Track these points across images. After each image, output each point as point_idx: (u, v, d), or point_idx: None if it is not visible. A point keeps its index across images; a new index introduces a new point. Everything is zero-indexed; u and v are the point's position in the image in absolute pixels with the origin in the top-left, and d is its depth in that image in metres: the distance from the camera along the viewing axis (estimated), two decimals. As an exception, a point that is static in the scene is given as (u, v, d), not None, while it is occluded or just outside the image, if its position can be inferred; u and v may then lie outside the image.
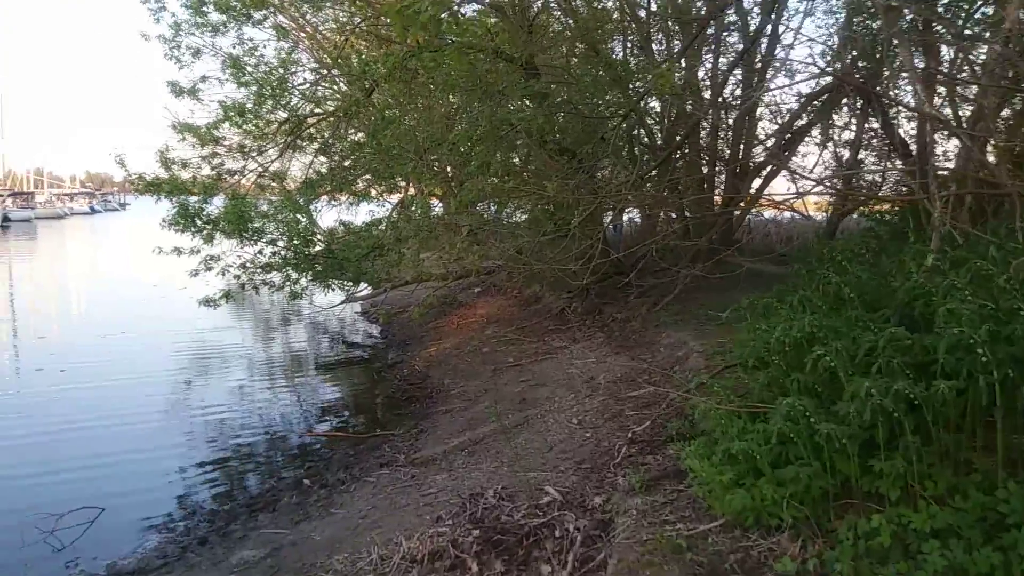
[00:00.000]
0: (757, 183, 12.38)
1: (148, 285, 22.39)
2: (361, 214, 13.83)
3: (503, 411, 8.22)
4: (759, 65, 11.39)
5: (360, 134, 13.97)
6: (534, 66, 9.83)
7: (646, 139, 11.55)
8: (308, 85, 13.99)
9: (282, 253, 11.45)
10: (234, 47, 12.19)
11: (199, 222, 10.75)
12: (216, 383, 12.18)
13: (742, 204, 12.13)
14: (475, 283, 14.54)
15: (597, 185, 9.94)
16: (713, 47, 12.20)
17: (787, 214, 14.09)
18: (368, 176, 13.25)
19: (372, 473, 7.16)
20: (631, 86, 10.09)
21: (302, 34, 15.89)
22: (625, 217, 14.38)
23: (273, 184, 13.06)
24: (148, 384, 11.59)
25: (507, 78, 9.17)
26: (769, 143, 12.30)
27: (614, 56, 11.30)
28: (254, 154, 12.71)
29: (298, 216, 10.92)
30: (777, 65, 11.25)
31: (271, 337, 17.08)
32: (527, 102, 9.93)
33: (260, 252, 11.47)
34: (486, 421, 8.03)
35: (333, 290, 12.33)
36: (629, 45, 12.12)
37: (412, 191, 13.92)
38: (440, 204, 14.42)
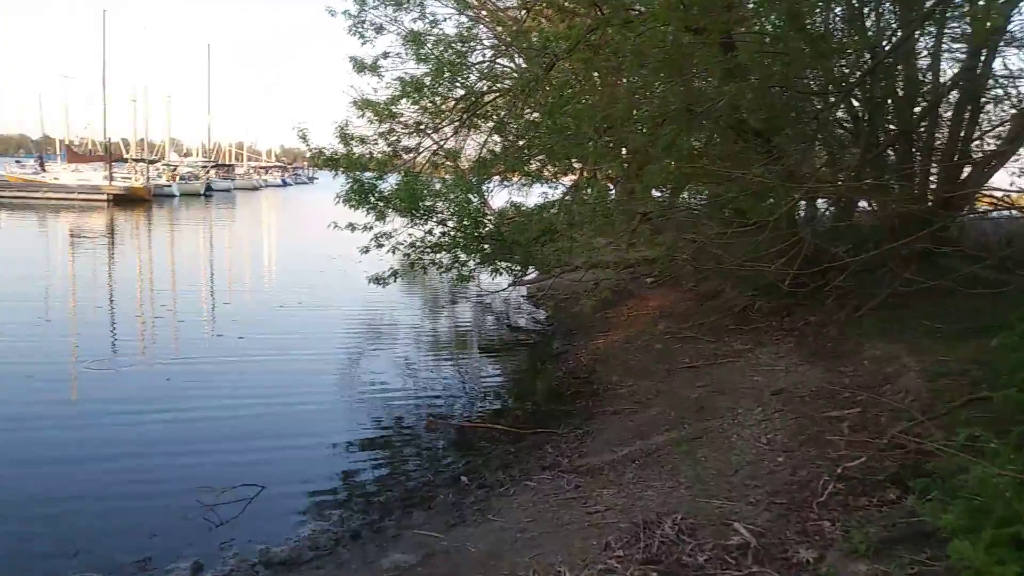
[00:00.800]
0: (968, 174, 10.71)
1: (327, 257, 23.23)
2: (533, 196, 13.38)
3: (678, 419, 7.46)
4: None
5: (536, 113, 13.47)
6: (731, 38, 8.86)
7: (865, 121, 10.20)
8: (486, 61, 13.70)
9: (451, 233, 11.19)
10: (415, 21, 12.05)
11: (372, 199, 10.66)
12: (383, 358, 12.32)
13: (963, 199, 10.54)
14: (648, 273, 13.69)
15: (803, 173, 8.84)
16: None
17: (1006, 212, 12.21)
18: (542, 156, 12.73)
19: (533, 476, 6.63)
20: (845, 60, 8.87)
21: (483, 12, 15.58)
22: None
23: (447, 163, 12.85)
24: (318, 357, 11.82)
25: (702, 51, 8.26)
26: (1003, 130, 10.57)
27: (823, 28, 10.04)
28: (429, 131, 12.56)
29: (469, 196, 10.59)
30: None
31: (438, 315, 17.14)
32: (716, 79, 9.00)
33: (430, 232, 11.27)
34: (660, 428, 7.29)
35: (500, 273, 11.96)
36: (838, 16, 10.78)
37: (587, 174, 13.27)
38: (614, 188, 13.71)
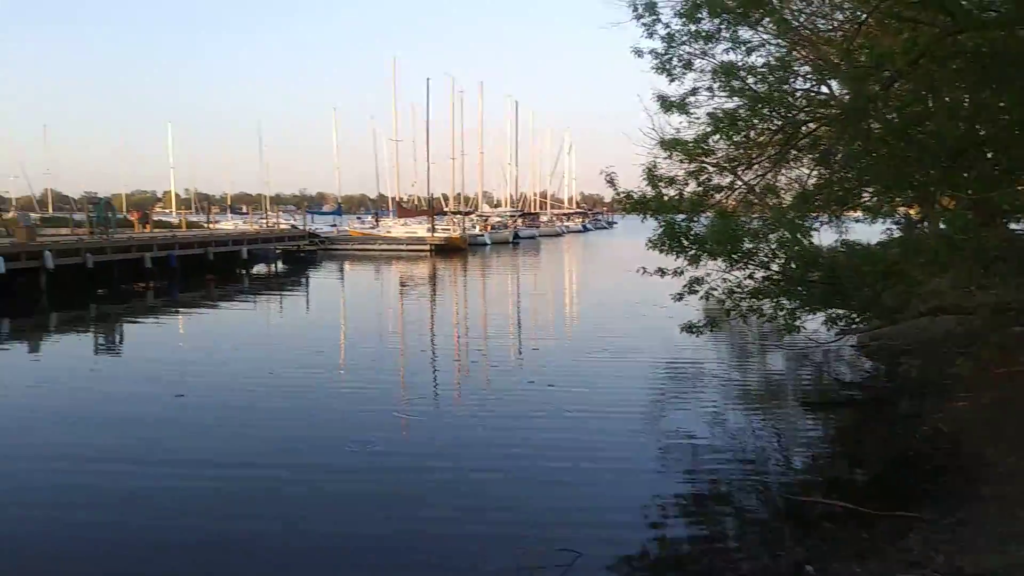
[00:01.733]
0: None
1: (631, 303, 23.06)
2: (865, 233, 11.82)
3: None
4: None
5: (865, 141, 11.95)
6: None
7: None
8: (805, 88, 12.51)
9: (774, 277, 10.13)
10: (727, 52, 11.33)
11: (685, 242, 9.99)
12: (692, 409, 11.72)
13: None
14: (1016, 320, 11.35)
15: None
16: None
17: None
18: (875, 187, 11.19)
19: (897, 575, 5.41)
20: None
21: (801, 34, 14.36)
22: None
23: (763, 200, 11.81)
24: (624, 407, 11.52)
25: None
26: None
27: None
28: (742, 168, 11.68)
29: (796, 236, 9.47)
30: None
31: (749, 364, 15.91)
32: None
33: (751, 276, 10.30)
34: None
35: (833, 321, 10.61)
36: None
37: (943, 203, 11.43)
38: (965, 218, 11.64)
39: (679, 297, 10.60)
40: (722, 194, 11.88)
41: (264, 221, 61.38)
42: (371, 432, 9.95)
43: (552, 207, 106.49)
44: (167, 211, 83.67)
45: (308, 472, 8.50)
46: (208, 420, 10.65)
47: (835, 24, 13.51)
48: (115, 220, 36.53)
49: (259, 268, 41.21)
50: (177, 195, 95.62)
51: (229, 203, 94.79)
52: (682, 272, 10.83)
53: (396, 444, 9.71)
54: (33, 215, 40.88)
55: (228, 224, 62.60)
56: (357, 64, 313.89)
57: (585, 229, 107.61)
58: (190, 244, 37.51)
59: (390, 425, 10.38)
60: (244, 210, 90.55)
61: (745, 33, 11.56)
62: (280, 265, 43.69)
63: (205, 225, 55.99)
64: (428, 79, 71.03)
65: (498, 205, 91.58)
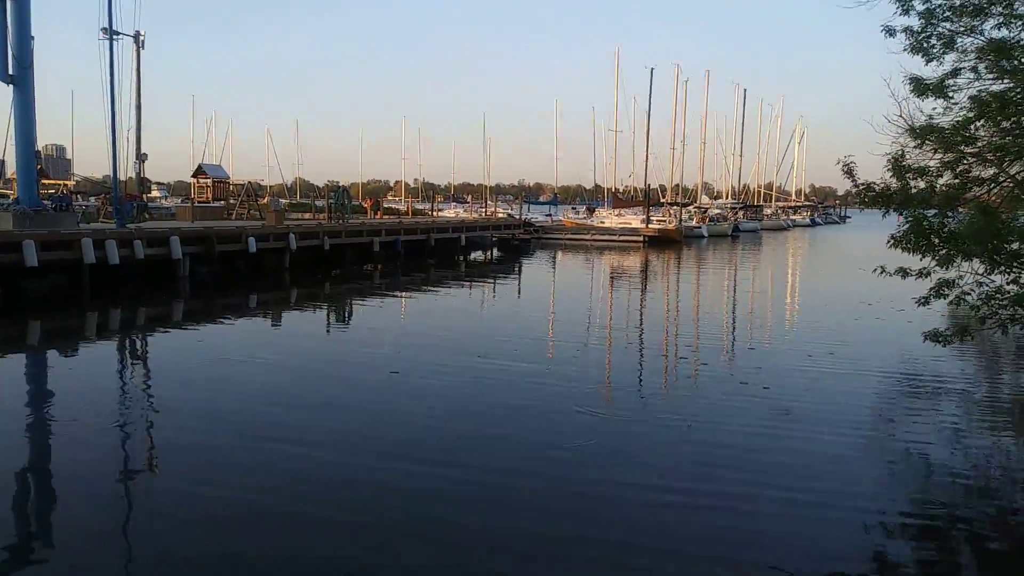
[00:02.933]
0: None
1: (862, 304, 21.23)
2: None
3: None
4: None
5: None
6: None
7: None
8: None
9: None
10: (998, 28, 9.90)
11: (935, 240, 8.86)
12: (924, 422, 10.59)
13: None
14: None
15: None
16: None
17: None
18: None
19: None
20: None
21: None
22: None
23: (1033, 194, 10.22)
24: (848, 415, 10.61)
25: None
26: None
27: None
28: (1009, 159, 10.15)
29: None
30: None
31: (1001, 379, 14.00)
32: None
33: (1015, 280, 8.95)
34: None
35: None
36: None
37: None
38: None
39: (924, 301, 9.49)
40: (983, 188, 10.45)
41: (483, 210, 63.69)
42: (576, 428, 9.74)
43: (777, 199, 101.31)
44: (396, 199, 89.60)
45: (514, 466, 8.41)
46: (417, 405, 10.83)
47: None
48: (351, 207, 39.46)
49: (476, 255, 42.83)
50: (406, 184, 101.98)
51: (452, 192, 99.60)
52: (928, 274, 9.74)
53: (603, 446, 9.39)
54: (282, 201, 45.27)
55: (450, 212, 65.73)
56: (579, 55, 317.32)
57: (813, 223, 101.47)
58: (414, 230, 39.72)
59: (590, 424, 10.08)
60: (466, 199, 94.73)
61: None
62: (495, 252, 45.10)
63: (429, 213, 59.20)
64: (651, 68, 70.17)
65: (718, 197, 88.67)
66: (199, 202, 41.29)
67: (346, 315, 20.94)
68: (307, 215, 42.83)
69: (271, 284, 27.06)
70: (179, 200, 59.75)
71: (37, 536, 6.83)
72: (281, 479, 7.85)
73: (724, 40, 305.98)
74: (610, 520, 6.99)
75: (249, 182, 46.60)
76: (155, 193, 61.68)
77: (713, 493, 7.65)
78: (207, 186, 44.88)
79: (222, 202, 42.59)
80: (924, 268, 9.67)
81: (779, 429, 9.89)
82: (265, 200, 47.20)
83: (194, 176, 49.05)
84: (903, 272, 9.92)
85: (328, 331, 18.48)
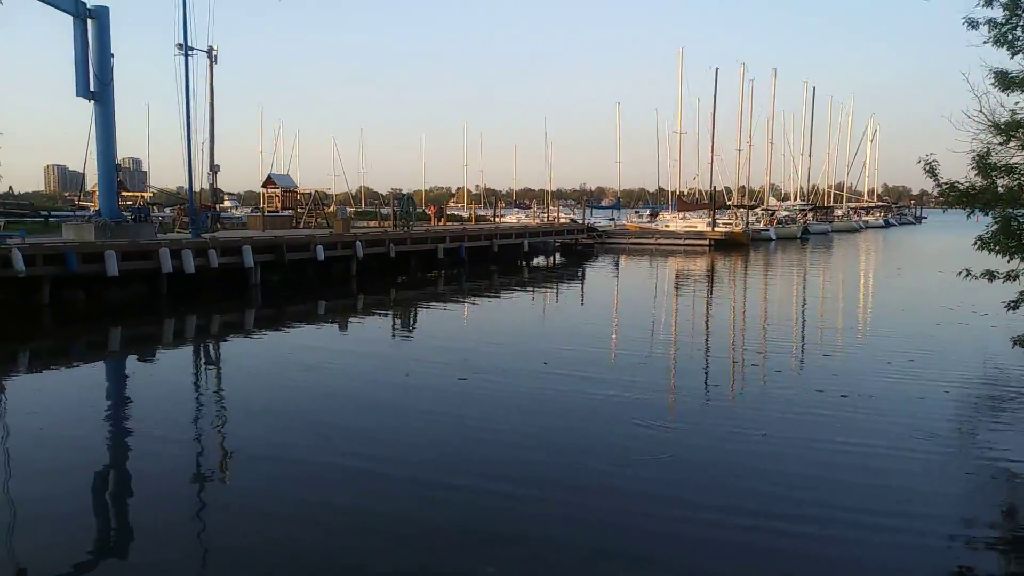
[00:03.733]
0: None
1: (943, 308, 20.40)
2: None
3: None
4: None
5: None
6: None
7: None
8: None
9: None
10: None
11: (1025, 241, 8.44)
12: (1010, 432, 10.08)
13: None
14: None
15: None
16: None
17: None
18: None
19: None
20: None
21: None
22: None
23: None
24: (927, 424, 10.15)
25: None
26: None
27: None
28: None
29: None
30: None
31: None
32: None
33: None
34: None
35: None
36: None
37: None
38: None
39: (1014, 305, 9.03)
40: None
41: (545, 215, 63.67)
42: (642, 442, 9.44)
43: (848, 200, 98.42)
44: (458, 206, 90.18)
45: (578, 481, 8.24)
46: (486, 414, 10.83)
47: None
48: (415, 214, 39.88)
49: (538, 260, 42.74)
50: (468, 191, 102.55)
51: (514, 198, 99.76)
52: (1017, 276, 9.29)
53: (670, 460, 9.10)
54: (348, 209, 45.95)
55: (512, 218, 65.80)
56: (641, 57, 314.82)
57: (887, 224, 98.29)
58: (477, 237, 39.88)
59: (658, 437, 9.80)
60: (528, 204, 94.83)
61: None
62: (558, 258, 44.94)
63: (491, 219, 59.33)
64: (716, 68, 69.01)
65: (786, 198, 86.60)
66: (268, 211, 42.25)
67: (412, 322, 21.12)
68: (372, 223, 43.39)
69: (339, 291, 27.48)
70: (249, 210, 61.37)
71: (118, 532, 7.10)
72: (351, 484, 7.94)
73: (791, 38, 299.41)
74: (675, 540, 6.80)
75: (316, 191, 47.47)
76: (227, 203, 63.55)
77: (784, 514, 7.29)
78: (276, 195, 45.86)
79: (290, 211, 43.50)
80: (1013, 271, 9.23)
81: (857, 441, 9.42)
82: (331, 208, 48.03)
83: (264, 186, 50.29)
84: (990, 275, 9.49)
85: (394, 336, 18.66)
